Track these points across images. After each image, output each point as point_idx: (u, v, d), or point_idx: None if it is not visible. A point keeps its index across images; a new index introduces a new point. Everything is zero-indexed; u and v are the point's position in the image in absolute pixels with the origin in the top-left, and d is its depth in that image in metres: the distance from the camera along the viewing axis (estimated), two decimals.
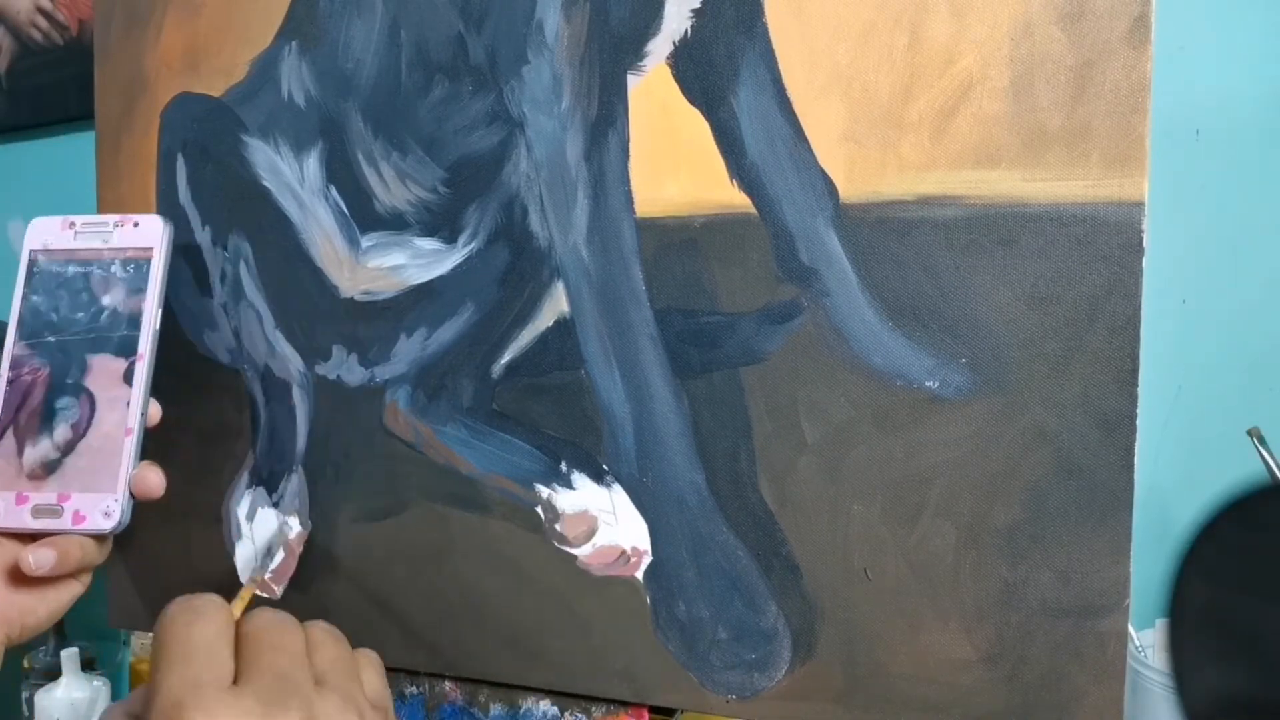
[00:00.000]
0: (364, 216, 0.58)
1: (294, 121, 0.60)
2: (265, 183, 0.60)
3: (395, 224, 0.57)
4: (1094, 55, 0.44)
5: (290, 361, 0.60)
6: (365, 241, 0.58)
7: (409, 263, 0.57)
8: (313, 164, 0.59)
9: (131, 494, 0.48)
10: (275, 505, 0.61)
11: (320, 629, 0.36)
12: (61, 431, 0.48)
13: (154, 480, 0.49)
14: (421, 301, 0.57)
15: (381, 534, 0.58)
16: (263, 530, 0.60)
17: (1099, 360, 0.44)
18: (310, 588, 0.60)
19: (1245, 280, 0.73)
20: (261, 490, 0.61)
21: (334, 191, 0.59)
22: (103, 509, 0.47)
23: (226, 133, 0.61)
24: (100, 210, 0.66)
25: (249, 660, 0.32)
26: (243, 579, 0.61)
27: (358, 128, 0.58)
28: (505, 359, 0.55)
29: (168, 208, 0.63)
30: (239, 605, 0.38)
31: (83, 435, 0.48)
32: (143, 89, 0.64)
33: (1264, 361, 0.73)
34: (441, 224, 0.56)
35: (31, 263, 0.50)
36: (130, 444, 0.48)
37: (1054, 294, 0.45)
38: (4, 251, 1.22)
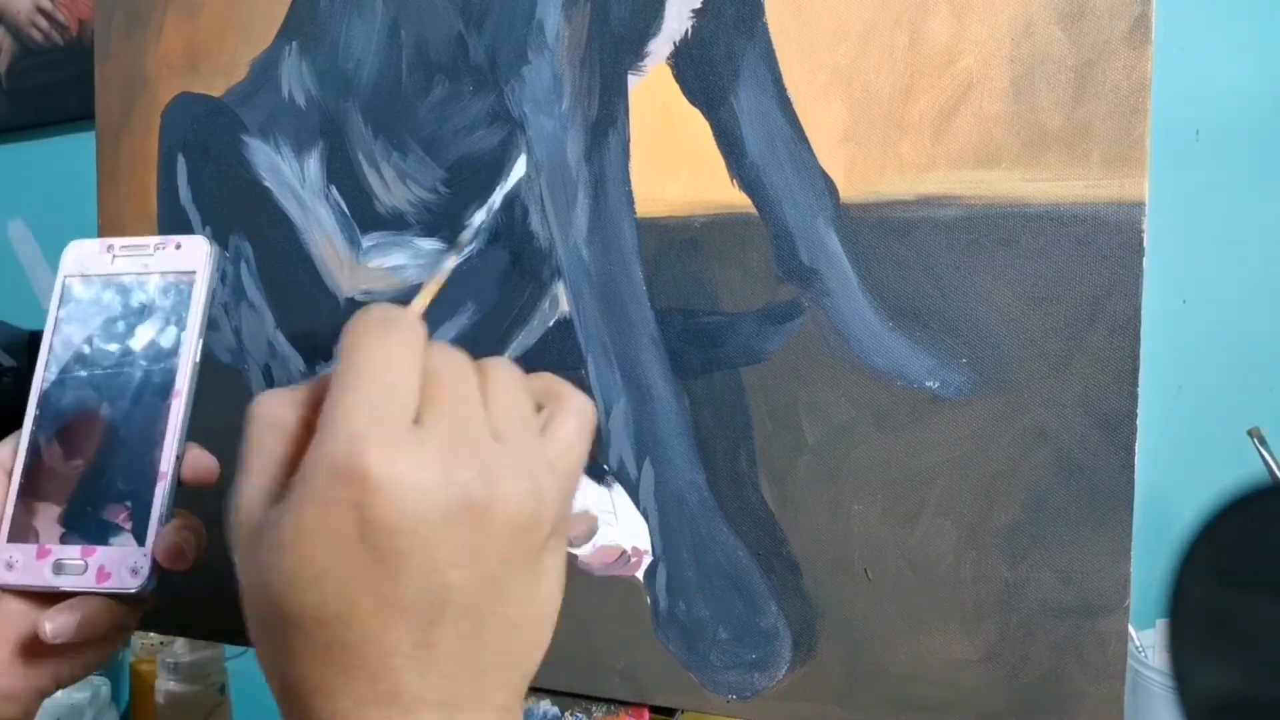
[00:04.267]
0: (364, 216, 0.58)
1: (294, 121, 0.60)
2: (266, 183, 0.60)
3: (396, 224, 0.57)
4: (1094, 55, 0.44)
5: (291, 361, 0.60)
6: (366, 241, 0.58)
7: (409, 263, 0.57)
8: (313, 164, 0.59)
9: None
10: None
11: (499, 370, 0.32)
12: (89, 478, 0.42)
13: (176, 544, 0.39)
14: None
15: None
16: None
17: (1099, 360, 0.44)
18: None
19: (1245, 280, 0.73)
20: None
21: (334, 191, 0.59)
22: (129, 565, 0.40)
23: (227, 133, 0.61)
24: (100, 210, 0.66)
25: (428, 399, 0.29)
26: None
27: (358, 128, 0.58)
28: (505, 359, 0.55)
29: (168, 207, 0.63)
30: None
31: (112, 483, 0.42)
32: (143, 89, 0.64)
33: (1264, 361, 0.73)
34: (441, 224, 0.56)
35: (65, 289, 0.44)
36: (161, 492, 0.41)
37: (1054, 294, 0.45)
38: (4, 251, 1.22)
